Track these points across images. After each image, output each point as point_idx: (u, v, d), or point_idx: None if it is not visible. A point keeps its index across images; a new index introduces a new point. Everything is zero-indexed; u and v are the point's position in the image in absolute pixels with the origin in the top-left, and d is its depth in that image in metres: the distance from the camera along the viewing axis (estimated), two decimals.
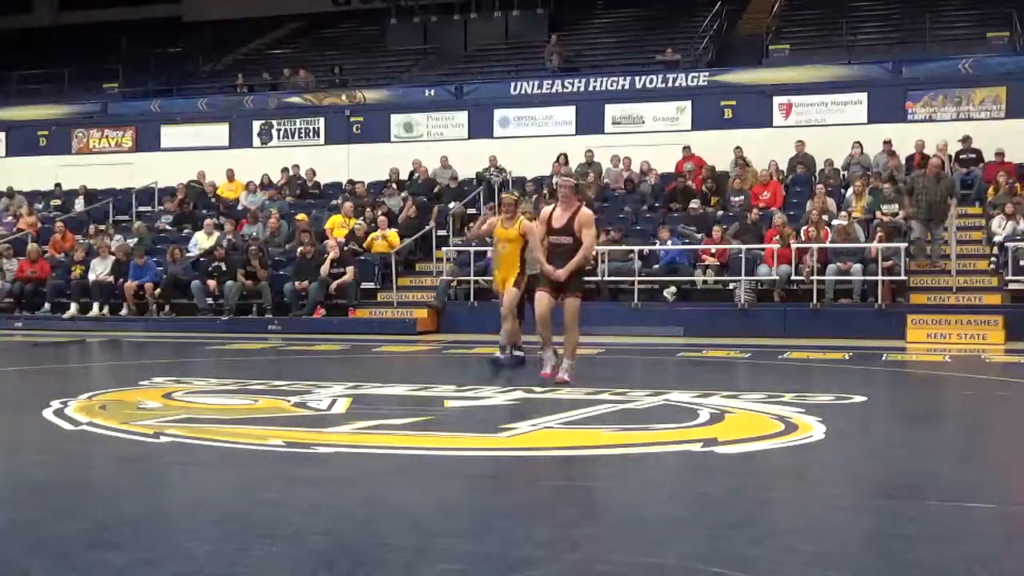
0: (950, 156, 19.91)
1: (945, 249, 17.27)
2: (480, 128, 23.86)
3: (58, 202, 25.14)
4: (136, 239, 20.80)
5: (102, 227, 22.37)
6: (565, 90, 24.09)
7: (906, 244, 16.94)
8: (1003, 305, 16.43)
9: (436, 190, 22.14)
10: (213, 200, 23.71)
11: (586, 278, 10.51)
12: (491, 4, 29.67)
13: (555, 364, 9.53)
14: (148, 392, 9.00)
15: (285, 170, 23.91)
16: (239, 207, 22.44)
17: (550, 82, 24.41)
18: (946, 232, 17.40)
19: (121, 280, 19.19)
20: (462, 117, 24.30)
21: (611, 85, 23.73)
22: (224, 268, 18.78)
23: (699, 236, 18.21)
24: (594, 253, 12.08)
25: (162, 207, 23.61)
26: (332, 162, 24.14)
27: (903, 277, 16.67)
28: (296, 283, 18.13)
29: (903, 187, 17.96)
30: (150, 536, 4.27)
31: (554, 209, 9.48)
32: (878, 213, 18.11)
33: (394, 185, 22.49)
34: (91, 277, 19.52)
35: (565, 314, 9.34)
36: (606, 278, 17.70)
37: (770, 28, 25.62)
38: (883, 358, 13.11)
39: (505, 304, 10.69)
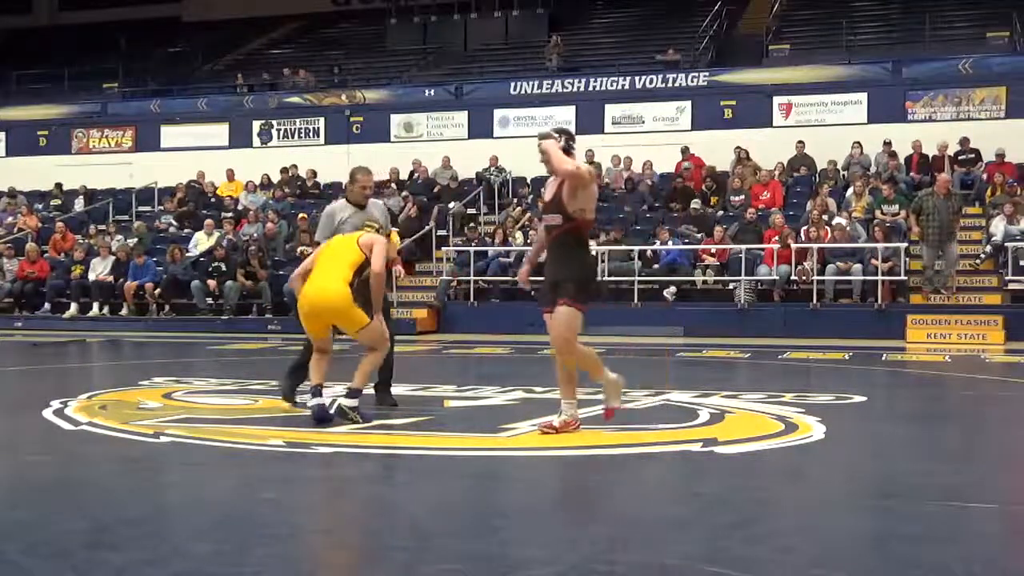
0: (949, 156, 19.90)
1: (958, 279, 16.85)
2: (480, 128, 23.85)
3: (58, 202, 25.14)
4: (136, 239, 20.80)
5: (102, 227, 22.38)
6: (565, 90, 24.08)
7: (906, 244, 16.91)
8: (1003, 305, 16.44)
9: (436, 190, 22.15)
10: (213, 200, 23.72)
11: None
12: (491, 4, 29.68)
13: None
14: (148, 392, 8.99)
15: (285, 170, 23.92)
16: (239, 207, 22.45)
17: (550, 82, 24.41)
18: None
19: (121, 280, 19.19)
20: (462, 117, 24.30)
21: (611, 85, 23.72)
22: (224, 268, 18.78)
23: (699, 236, 18.22)
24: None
25: (162, 207, 23.61)
26: (332, 162, 24.13)
27: (903, 277, 16.67)
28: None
29: (911, 208, 17.24)
30: (150, 536, 4.27)
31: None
32: (878, 213, 18.11)
33: (394, 185, 22.49)
34: (91, 277, 19.52)
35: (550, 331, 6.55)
36: (606, 278, 17.71)
37: (770, 28, 25.61)
38: (883, 358, 13.11)
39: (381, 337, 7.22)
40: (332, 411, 7.01)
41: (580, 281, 6.42)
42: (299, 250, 18.62)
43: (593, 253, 7.11)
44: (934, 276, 16.70)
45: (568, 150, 6.49)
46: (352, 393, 7.07)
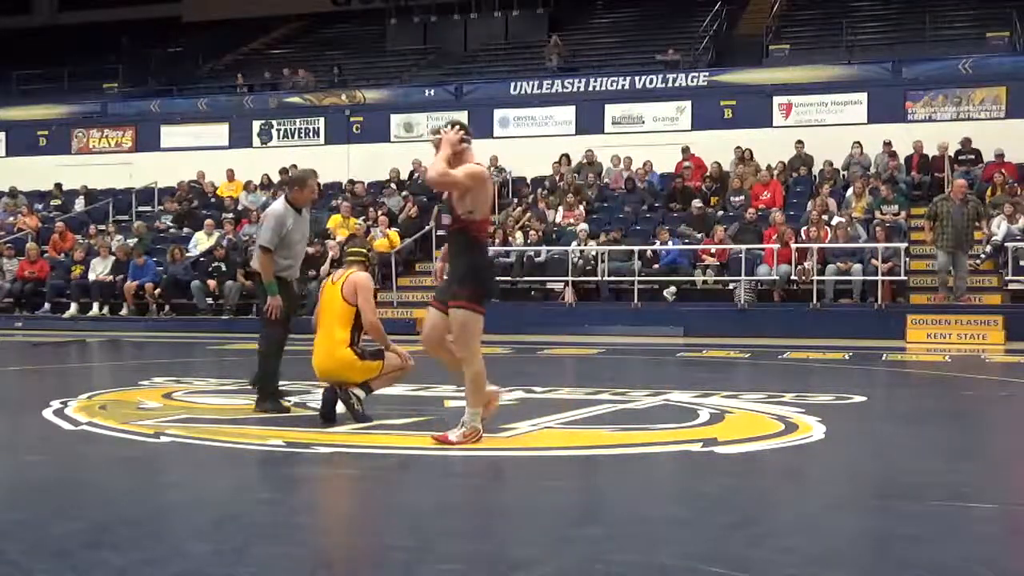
0: (950, 157, 19.90)
1: (970, 281, 16.62)
2: (480, 128, 23.77)
3: (58, 202, 25.15)
4: (136, 239, 20.81)
5: (102, 227, 22.38)
6: (565, 90, 24.09)
7: (906, 244, 16.90)
8: (1003, 305, 16.44)
9: (436, 190, 22.10)
10: (213, 200, 23.72)
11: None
12: (491, 4, 29.69)
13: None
14: (148, 392, 8.99)
15: (285, 170, 23.90)
16: (239, 207, 22.45)
17: (550, 82, 24.42)
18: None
19: (121, 279, 19.20)
20: (462, 117, 24.23)
21: (611, 85, 23.73)
22: (224, 268, 18.79)
23: (699, 236, 18.22)
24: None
25: (162, 207, 23.62)
26: (332, 162, 24.13)
27: (903, 277, 16.67)
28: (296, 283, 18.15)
29: (926, 214, 16.82)
30: (150, 536, 4.27)
31: None
32: (878, 213, 18.11)
33: (394, 185, 22.48)
34: (91, 277, 19.53)
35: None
36: (606, 278, 17.71)
37: (770, 28, 25.62)
38: (883, 358, 13.11)
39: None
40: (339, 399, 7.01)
41: (468, 283, 6.36)
42: None
43: (489, 254, 6.82)
44: (947, 280, 16.45)
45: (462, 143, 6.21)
46: (365, 386, 7.09)
